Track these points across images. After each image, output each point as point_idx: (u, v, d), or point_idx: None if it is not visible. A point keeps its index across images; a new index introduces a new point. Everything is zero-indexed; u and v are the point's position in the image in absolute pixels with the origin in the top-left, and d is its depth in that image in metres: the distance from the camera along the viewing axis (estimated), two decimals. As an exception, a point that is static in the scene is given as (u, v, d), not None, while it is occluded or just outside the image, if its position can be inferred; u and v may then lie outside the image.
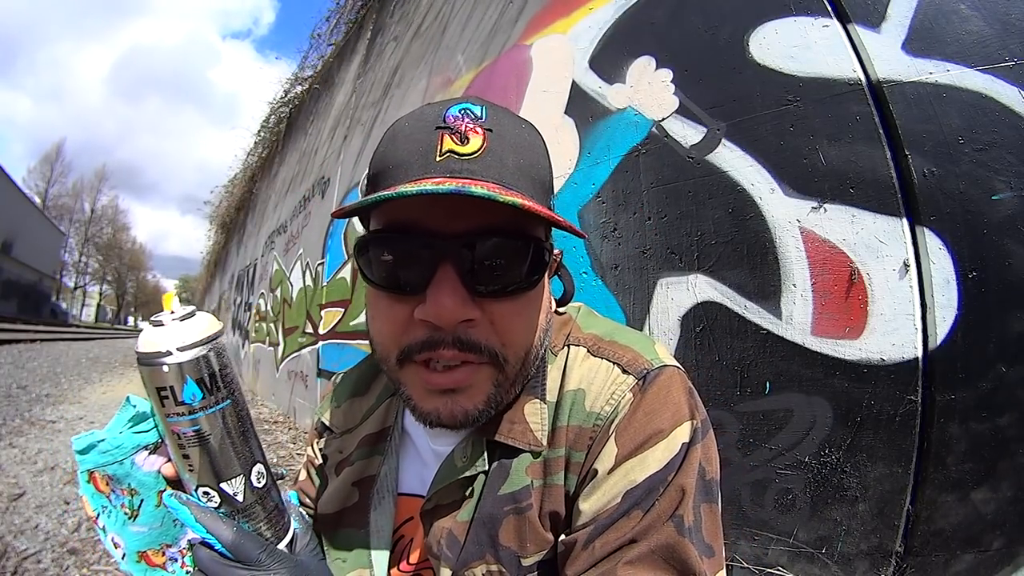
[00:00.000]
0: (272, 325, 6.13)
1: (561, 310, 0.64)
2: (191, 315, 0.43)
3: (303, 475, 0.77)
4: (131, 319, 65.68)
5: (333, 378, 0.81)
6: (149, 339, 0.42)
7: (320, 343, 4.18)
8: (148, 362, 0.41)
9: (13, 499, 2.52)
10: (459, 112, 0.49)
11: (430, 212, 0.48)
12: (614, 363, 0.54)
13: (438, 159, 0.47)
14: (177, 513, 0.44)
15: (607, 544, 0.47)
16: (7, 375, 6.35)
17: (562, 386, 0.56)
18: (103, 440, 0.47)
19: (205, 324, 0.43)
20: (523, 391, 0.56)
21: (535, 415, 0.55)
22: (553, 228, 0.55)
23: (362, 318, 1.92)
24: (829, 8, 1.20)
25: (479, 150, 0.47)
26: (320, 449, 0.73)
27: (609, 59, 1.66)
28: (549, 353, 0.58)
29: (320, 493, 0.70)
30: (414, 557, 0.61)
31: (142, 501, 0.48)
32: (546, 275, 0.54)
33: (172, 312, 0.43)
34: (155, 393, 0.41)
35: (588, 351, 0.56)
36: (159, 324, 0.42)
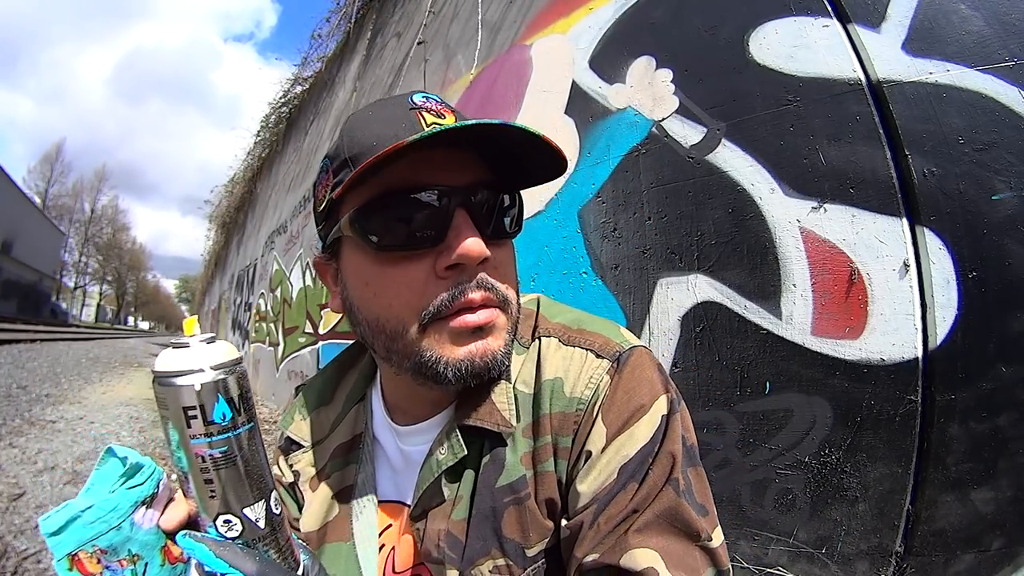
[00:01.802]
0: (272, 325, 6.13)
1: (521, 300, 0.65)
2: (214, 339, 0.43)
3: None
4: (131, 319, 65.79)
5: (295, 391, 0.78)
6: (176, 359, 0.40)
7: (320, 343, 4.18)
8: (173, 382, 0.39)
9: (13, 499, 2.51)
10: (423, 98, 0.53)
11: (425, 172, 0.50)
12: (587, 350, 0.55)
13: (426, 129, 0.48)
14: (194, 552, 0.40)
15: (611, 519, 0.48)
16: (7, 375, 6.32)
17: (539, 377, 0.56)
18: (89, 508, 0.43)
19: (230, 348, 0.43)
20: None
21: (500, 395, 0.56)
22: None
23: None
24: (829, 8, 1.20)
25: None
26: (290, 466, 0.69)
27: (609, 59, 1.66)
28: (517, 345, 0.59)
29: (299, 512, 0.67)
30: (400, 565, 0.59)
31: (146, 565, 0.44)
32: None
33: (195, 335, 0.42)
34: (181, 414, 0.39)
35: (560, 341, 0.58)
36: (184, 346, 0.41)
